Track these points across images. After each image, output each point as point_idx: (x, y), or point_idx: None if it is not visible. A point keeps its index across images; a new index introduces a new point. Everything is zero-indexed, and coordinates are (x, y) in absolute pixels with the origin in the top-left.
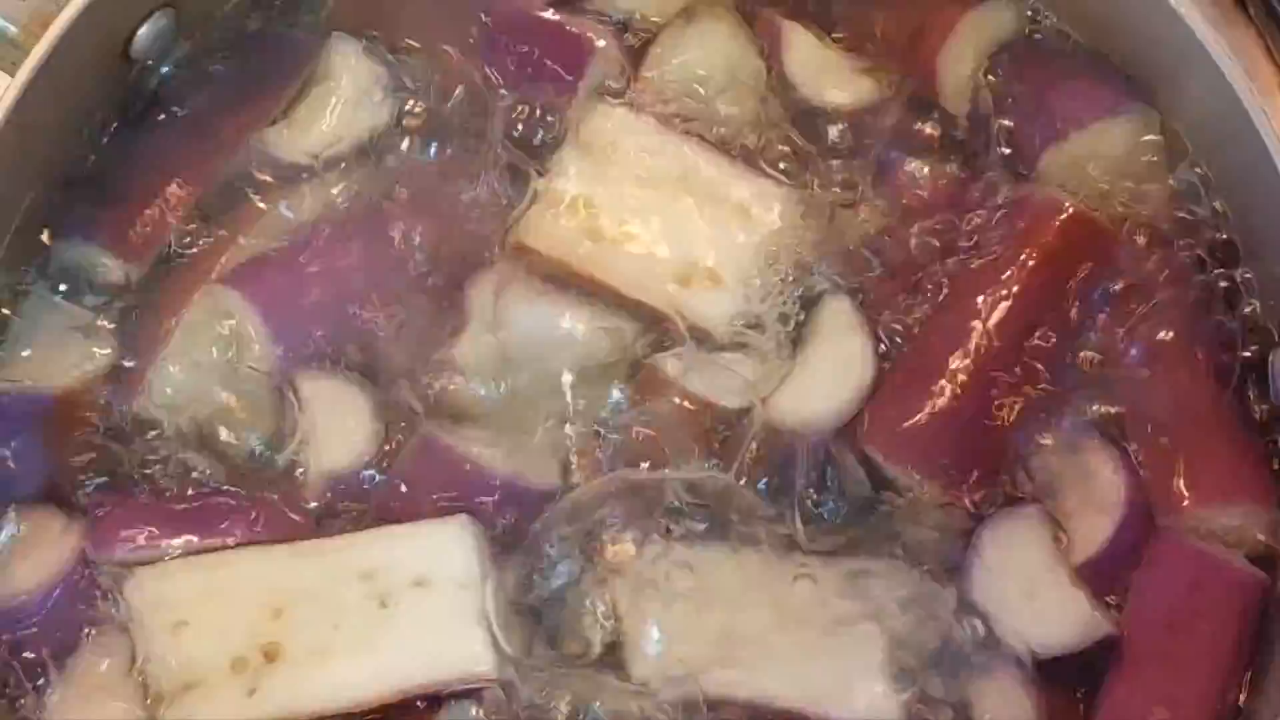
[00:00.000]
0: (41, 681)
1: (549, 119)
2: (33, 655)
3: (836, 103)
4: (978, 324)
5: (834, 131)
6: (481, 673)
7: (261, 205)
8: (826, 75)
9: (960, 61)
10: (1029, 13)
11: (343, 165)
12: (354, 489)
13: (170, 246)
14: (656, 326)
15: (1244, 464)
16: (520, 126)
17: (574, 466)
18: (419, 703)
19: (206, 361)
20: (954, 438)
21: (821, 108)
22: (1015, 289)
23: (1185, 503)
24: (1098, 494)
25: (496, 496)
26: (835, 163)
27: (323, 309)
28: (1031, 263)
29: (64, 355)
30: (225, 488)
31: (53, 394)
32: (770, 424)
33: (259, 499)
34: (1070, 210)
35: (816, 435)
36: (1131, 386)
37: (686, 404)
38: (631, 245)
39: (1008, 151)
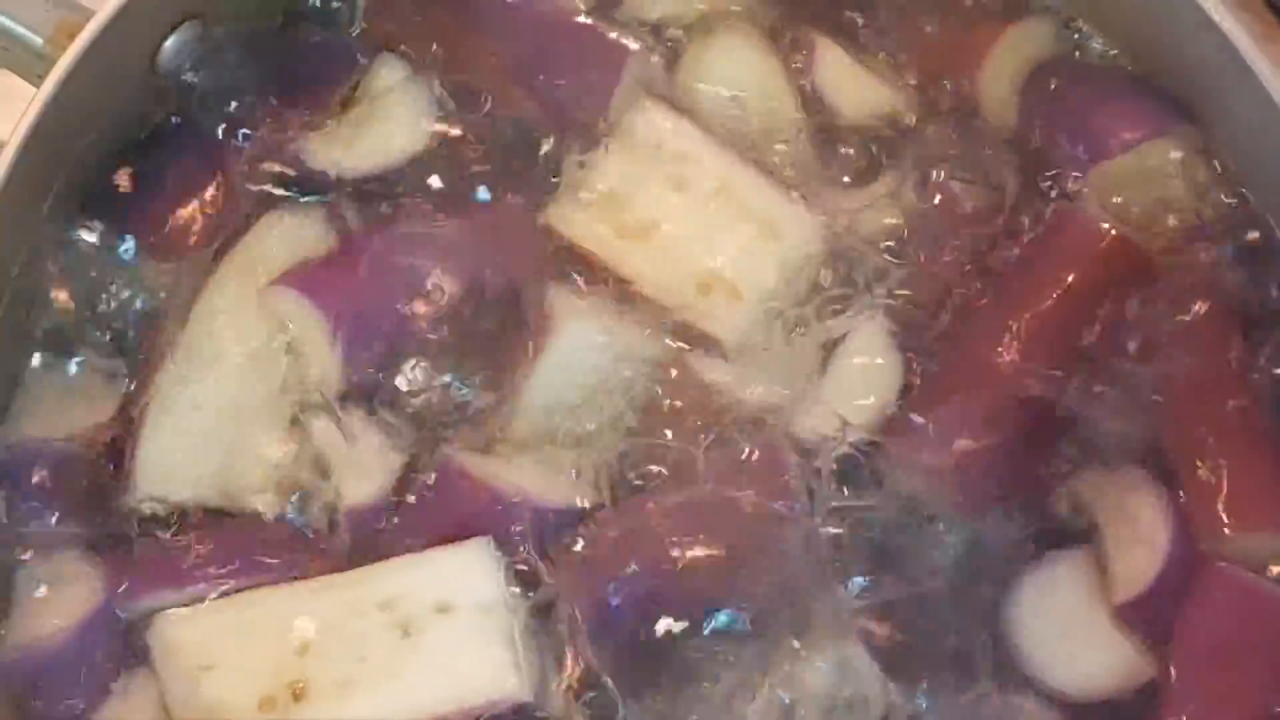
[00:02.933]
0: None
1: (585, 125)
2: (61, 702)
3: (867, 120)
4: (1012, 346)
5: (865, 149)
6: (509, 696)
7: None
8: (859, 92)
9: (998, 80)
10: (1069, 30)
11: (384, 180)
12: (377, 521)
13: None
14: (681, 333)
15: None
16: (556, 134)
17: (602, 484)
18: None
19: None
20: (985, 462)
21: (853, 125)
22: (1053, 312)
23: (1229, 529)
24: (1142, 530)
25: (520, 519)
26: (867, 180)
27: (378, 323)
28: (1070, 285)
29: (77, 404)
30: (246, 529)
31: (68, 443)
32: (791, 436)
33: (281, 538)
34: (1112, 234)
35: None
36: (1173, 410)
37: (713, 411)
38: (657, 246)
39: (1049, 170)
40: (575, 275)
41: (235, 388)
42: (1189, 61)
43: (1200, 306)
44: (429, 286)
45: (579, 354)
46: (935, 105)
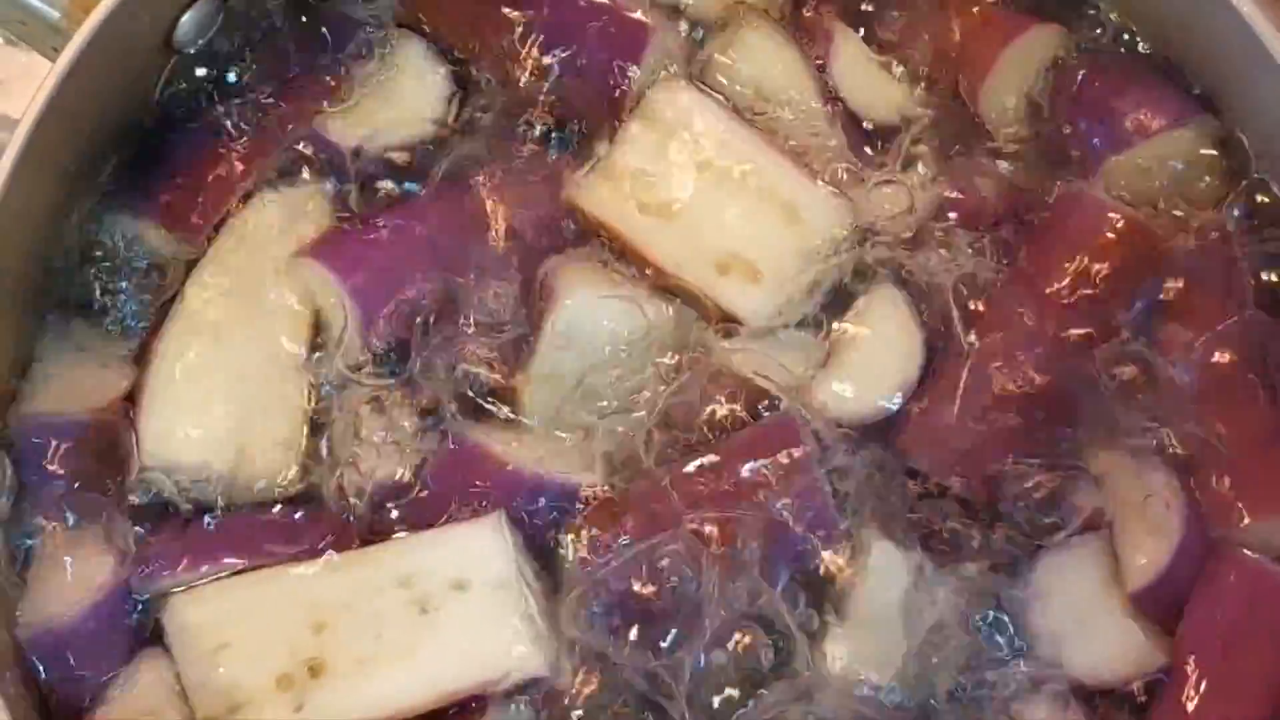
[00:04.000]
0: (87, 705)
1: (608, 102)
2: (77, 679)
3: (880, 113)
4: (1028, 333)
5: (886, 138)
6: (526, 670)
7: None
8: (876, 84)
9: (1004, 88)
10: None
11: (403, 154)
12: (392, 498)
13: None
14: (698, 312)
15: None
16: (579, 110)
17: (618, 461)
18: (471, 704)
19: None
20: (1000, 446)
21: (872, 115)
22: (1067, 297)
23: (1243, 517)
24: (1153, 518)
25: (535, 495)
26: (883, 168)
27: (398, 297)
28: (1084, 272)
29: (93, 378)
30: (261, 506)
31: (84, 418)
32: (810, 413)
33: (297, 516)
34: (1126, 220)
35: (858, 428)
36: (1186, 399)
37: (731, 388)
38: (679, 224)
39: (1066, 159)
40: (597, 250)
41: (238, 357)
42: (1212, 51)
43: (1217, 293)
44: (449, 263)
45: (581, 322)
46: (951, 98)
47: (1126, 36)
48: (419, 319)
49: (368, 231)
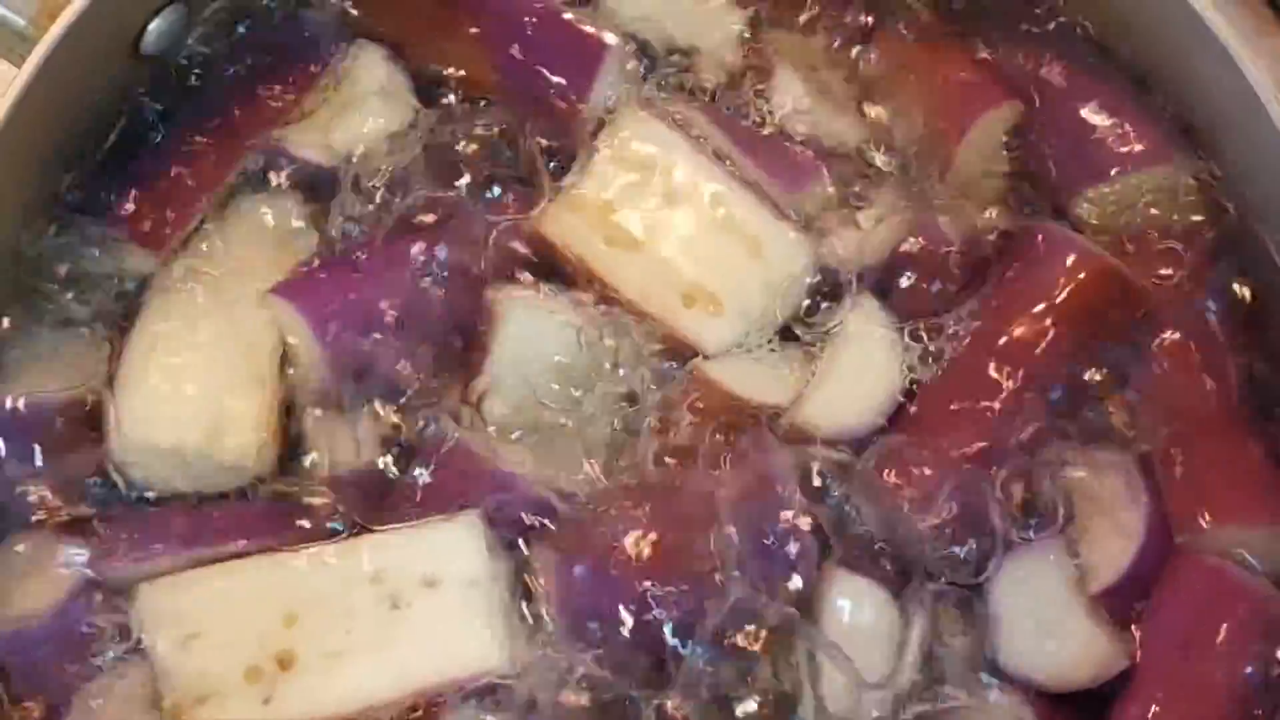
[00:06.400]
0: (58, 704)
1: (565, 123)
2: (48, 678)
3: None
4: (1000, 368)
5: (850, 176)
6: (493, 669)
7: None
8: (818, 121)
9: (974, 153)
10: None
11: (363, 168)
12: (365, 492)
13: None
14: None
15: (1267, 484)
16: (538, 132)
17: (598, 470)
18: (441, 702)
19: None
20: (967, 481)
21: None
22: (1037, 329)
23: (1206, 522)
24: (1117, 519)
25: (510, 497)
26: (854, 206)
27: (359, 317)
28: (1057, 310)
29: (64, 365)
30: (234, 497)
31: (55, 405)
32: (798, 428)
33: (267, 507)
34: (1097, 261)
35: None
36: (1153, 407)
37: (722, 403)
38: (644, 256)
39: (1039, 194)
40: (560, 278)
41: (214, 346)
42: (1186, 70)
43: (1188, 317)
44: (410, 288)
45: (532, 337)
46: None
47: (1101, 56)
48: (385, 338)
49: (331, 267)
